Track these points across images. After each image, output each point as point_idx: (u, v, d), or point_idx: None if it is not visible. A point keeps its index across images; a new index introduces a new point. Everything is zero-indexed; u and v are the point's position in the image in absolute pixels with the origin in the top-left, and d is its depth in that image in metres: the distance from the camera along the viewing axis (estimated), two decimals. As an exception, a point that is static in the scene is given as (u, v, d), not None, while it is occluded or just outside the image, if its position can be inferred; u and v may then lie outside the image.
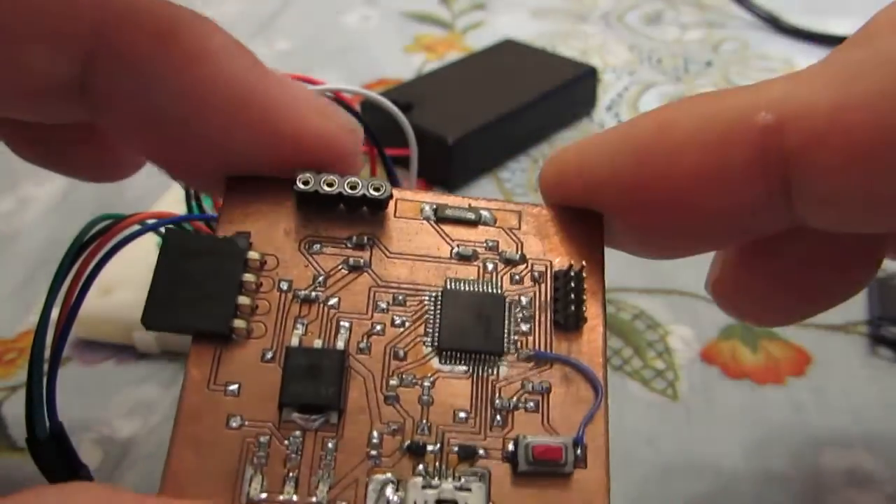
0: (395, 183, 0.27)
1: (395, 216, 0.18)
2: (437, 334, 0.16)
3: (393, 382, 0.16)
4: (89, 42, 0.17)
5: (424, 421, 0.15)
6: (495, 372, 0.16)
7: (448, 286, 0.17)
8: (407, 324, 0.16)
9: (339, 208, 0.18)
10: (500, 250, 0.18)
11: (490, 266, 0.17)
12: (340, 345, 0.16)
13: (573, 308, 0.17)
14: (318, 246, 0.17)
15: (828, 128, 0.14)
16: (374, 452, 0.15)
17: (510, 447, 0.15)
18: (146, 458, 0.24)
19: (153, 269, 0.17)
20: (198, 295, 0.16)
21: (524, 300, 0.17)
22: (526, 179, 0.38)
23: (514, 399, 0.16)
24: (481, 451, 0.15)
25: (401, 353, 0.16)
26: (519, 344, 0.16)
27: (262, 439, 0.15)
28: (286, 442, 0.15)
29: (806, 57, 0.49)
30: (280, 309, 0.16)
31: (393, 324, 0.16)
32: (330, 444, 0.15)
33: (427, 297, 0.17)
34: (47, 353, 0.18)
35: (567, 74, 0.42)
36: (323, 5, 0.58)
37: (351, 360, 0.16)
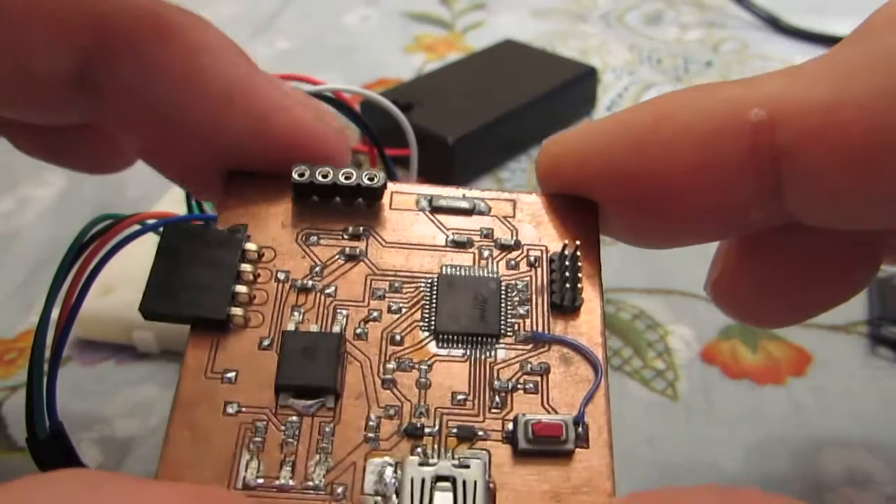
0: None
1: (390, 208, 0.18)
2: (433, 319, 0.16)
3: (390, 366, 0.16)
4: (90, 36, 0.17)
5: (422, 403, 0.15)
6: (493, 354, 0.16)
7: (443, 272, 0.17)
8: (403, 310, 0.17)
9: (336, 201, 0.18)
10: (494, 237, 0.18)
11: (485, 252, 0.18)
12: (336, 329, 0.16)
13: (569, 286, 0.17)
14: (315, 238, 0.17)
15: (821, 125, 0.14)
16: (371, 435, 0.15)
17: (510, 427, 0.15)
18: (146, 458, 0.24)
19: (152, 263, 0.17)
20: (195, 285, 0.16)
21: (520, 284, 0.17)
22: (526, 179, 0.38)
23: (513, 380, 0.16)
24: (480, 433, 0.15)
25: (398, 337, 0.16)
26: (516, 326, 0.17)
27: (258, 424, 0.15)
28: (283, 427, 0.15)
29: (806, 57, 0.49)
30: (277, 298, 0.17)
31: (389, 310, 0.17)
32: (327, 429, 0.15)
33: (423, 284, 0.17)
34: (47, 353, 0.18)
35: (567, 74, 0.42)
36: (323, 5, 0.58)
37: (348, 345, 0.16)
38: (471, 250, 0.18)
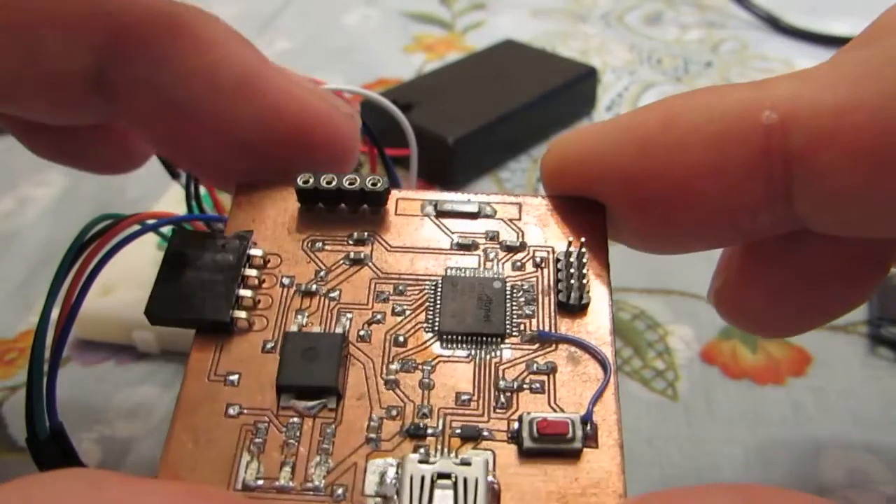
0: (395, 183, 0.27)
1: (395, 214, 0.18)
2: (437, 320, 0.16)
3: (393, 367, 0.16)
4: (104, 34, 0.18)
5: (425, 404, 0.15)
6: (498, 354, 0.16)
7: (448, 273, 0.17)
8: (407, 312, 0.17)
9: (341, 208, 0.18)
10: (500, 240, 0.18)
11: (491, 254, 0.18)
12: (339, 331, 0.16)
13: (575, 283, 0.16)
14: (321, 244, 0.18)
15: (833, 129, 0.14)
16: (373, 436, 0.15)
17: (515, 427, 0.15)
18: (146, 458, 0.24)
19: (156, 269, 0.17)
20: (200, 289, 0.16)
21: (526, 285, 0.17)
22: (526, 179, 0.38)
23: (519, 380, 0.16)
24: (485, 433, 0.15)
25: (401, 339, 0.16)
26: (522, 326, 0.16)
27: (260, 426, 0.15)
28: (284, 428, 0.15)
29: (806, 57, 0.49)
30: (282, 302, 0.17)
31: (393, 312, 0.17)
32: (328, 430, 0.15)
33: (427, 286, 0.17)
34: (47, 353, 0.18)
35: (567, 74, 0.42)
36: (323, 5, 0.58)
37: (351, 348, 0.16)
38: (476, 252, 0.18)
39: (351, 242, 0.18)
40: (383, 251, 0.18)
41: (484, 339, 0.16)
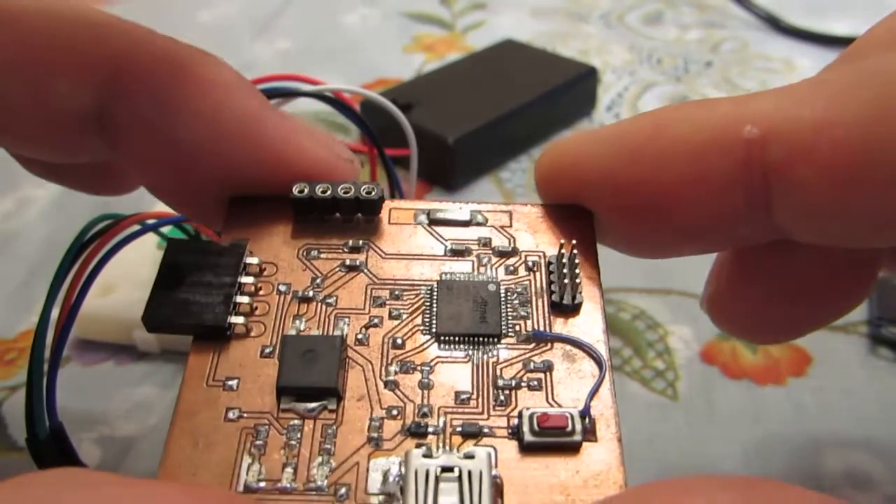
0: (395, 183, 0.27)
1: (389, 223, 0.19)
2: (434, 322, 0.17)
3: (392, 369, 0.16)
4: (108, 74, 0.18)
5: (425, 403, 0.15)
6: (495, 354, 0.16)
7: (443, 278, 0.17)
8: (404, 315, 0.17)
9: (335, 217, 0.18)
10: (492, 245, 0.18)
11: (484, 259, 0.18)
12: (337, 333, 0.16)
13: (568, 283, 0.17)
14: (316, 252, 0.18)
15: (811, 144, 0.15)
16: (374, 436, 0.15)
17: (515, 423, 0.15)
18: (146, 458, 0.24)
19: (156, 269, 0.17)
20: (197, 296, 0.16)
21: (519, 288, 0.17)
22: (526, 179, 0.38)
23: (517, 378, 0.16)
24: (485, 430, 0.15)
25: (399, 341, 0.16)
26: (517, 327, 0.17)
27: (260, 429, 0.15)
28: (284, 430, 0.15)
29: (806, 57, 0.49)
30: (279, 308, 0.17)
31: (390, 316, 0.17)
32: (330, 431, 0.15)
33: (423, 290, 0.17)
34: (47, 353, 0.18)
35: (567, 74, 0.42)
36: (323, 5, 0.58)
37: (349, 351, 0.16)
38: (469, 258, 0.18)
39: (346, 250, 0.18)
40: (378, 258, 0.18)
41: (481, 339, 0.16)
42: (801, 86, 0.16)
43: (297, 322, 0.16)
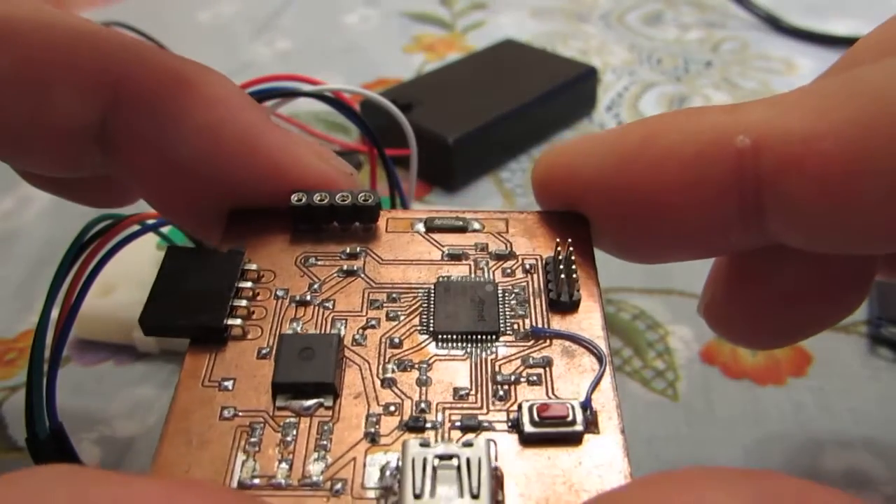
0: (395, 183, 0.27)
1: (386, 231, 0.19)
2: (431, 321, 0.17)
3: (389, 367, 0.16)
4: (110, 90, 0.18)
5: (423, 399, 0.15)
6: (494, 351, 0.16)
7: (440, 279, 0.17)
8: (402, 317, 0.17)
9: (333, 226, 0.19)
10: (489, 250, 0.18)
11: (481, 263, 0.18)
12: (335, 332, 0.16)
13: (565, 279, 0.17)
14: (314, 259, 0.18)
15: (800, 155, 0.15)
16: (371, 431, 0.15)
17: (514, 416, 0.15)
18: (145, 458, 0.24)
19: (156, 269, 0.17)
20: (195, 300, 0.16)
21: (517, 289, 0.17)
22: (526, 179, 0.38)
23: (516, 374, 0.16)
24: (485, 424, 0.15)
25: (396, 341, 0.16)
26: (515, 326, 0.17)
27: (255, 427, 0.15)
28: (280, 427, 0.15)
29: (806, 57, 0.49)
30: (276, 312, 0.17)
31: (388, 318, 0.17)
32: (326, 427, 0.15)
33: (420, 293, 0.17)
34: (47, 353, 0.18)
35: (567, 74, 0.42)
36: (323, 5, 0.58)
37: (346, 351, 0.16)
38: (466, 262, 0.18)
39: (344, 257, 0.18)
40: (376, 264, 0.18)
41: (479, 337, 0.16)
42: (792, 96, 0.16)
43: (295, 324, 0.17)
